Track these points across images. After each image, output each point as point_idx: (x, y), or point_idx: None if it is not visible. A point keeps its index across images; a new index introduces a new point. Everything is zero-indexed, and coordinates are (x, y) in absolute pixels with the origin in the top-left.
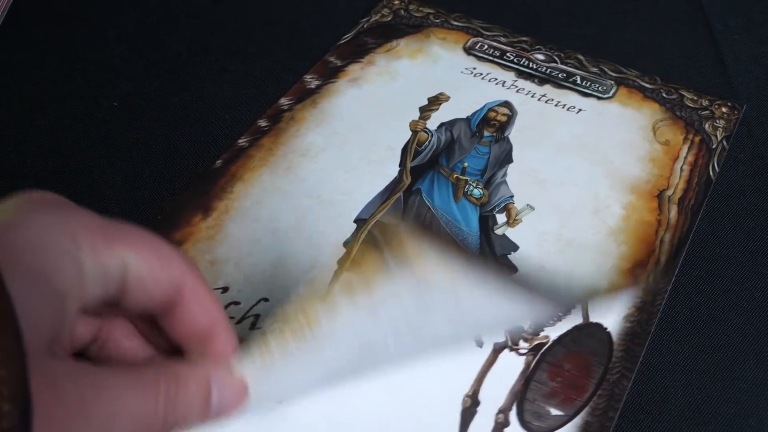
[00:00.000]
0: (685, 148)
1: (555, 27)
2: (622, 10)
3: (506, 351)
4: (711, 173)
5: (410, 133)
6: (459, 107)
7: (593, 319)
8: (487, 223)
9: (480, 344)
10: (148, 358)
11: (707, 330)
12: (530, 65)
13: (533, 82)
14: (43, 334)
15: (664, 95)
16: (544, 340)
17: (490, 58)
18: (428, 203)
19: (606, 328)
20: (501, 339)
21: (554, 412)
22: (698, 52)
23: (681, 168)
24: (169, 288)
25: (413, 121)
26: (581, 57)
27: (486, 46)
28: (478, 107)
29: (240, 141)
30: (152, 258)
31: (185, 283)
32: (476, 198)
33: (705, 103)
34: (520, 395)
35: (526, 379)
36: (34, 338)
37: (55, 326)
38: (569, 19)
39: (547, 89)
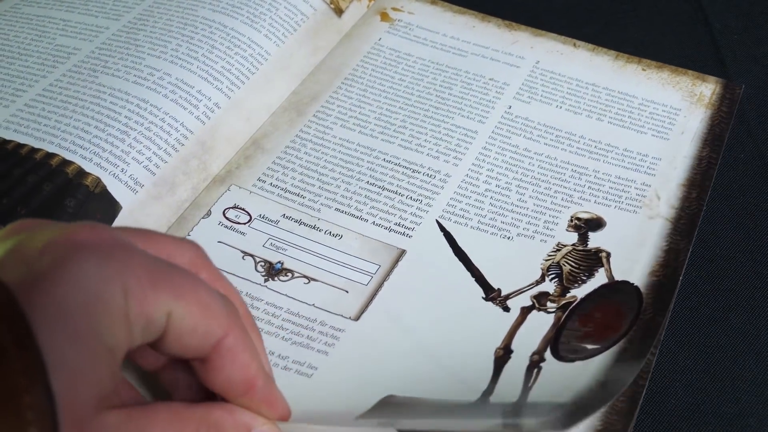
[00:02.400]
0: None
1: (555, 27)
2: (622, 10)
3: (534, 311)
4: None
5: None
6: None
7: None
8: None
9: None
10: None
11: (707, 330)
12: None
13: None
14: (94, 390)
15: None
16: (572, 299)
17: None
18: None
19: (633, 284)
20: (527, 303)
21: (590, 346)
22: (698, 52)
23: None
24: (206, 343)
25: None
26: None
27: None
28: None
29: None
30: (197, 311)
31: (224, 340)
32: None
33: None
34: (553, 340)
35: (558, 328)
36: (84, 395)
37: (105, 381)
38: (569, 19)
39: None
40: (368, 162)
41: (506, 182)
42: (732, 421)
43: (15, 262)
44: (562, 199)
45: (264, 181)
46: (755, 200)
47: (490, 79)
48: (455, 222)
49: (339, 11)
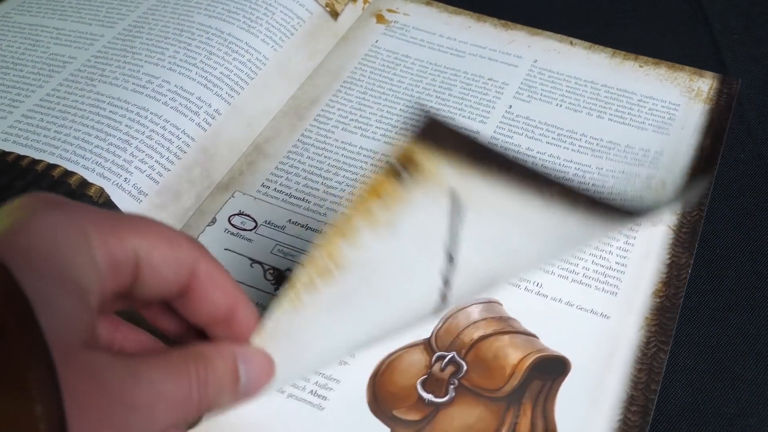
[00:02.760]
0: None
1: (555, 27)
2: (622, 10)
3: None
4: None
5: None
6: None
7: None
8: None
9: None
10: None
11: (707, 330)
12: None
13: None
14: (78, 329)
15: None
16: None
17: None
18: None
19: None
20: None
21: None
22: (698, 52)
23: None
24: (183, 271)
25: None
26: None
27: None
28: None
29: None
30: (162, 244)
31: (199, 266)
32: None
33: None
34: None
35: None
36: (70, 334)
37: (88, 321)
38: (569, 19)
39: None
40: (372, 165)
41: None
42: (732, 421)
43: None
44: None
45: (268, 187)
46: (755, 200)
47: (489, 79)
48: None
49: (335, 14)
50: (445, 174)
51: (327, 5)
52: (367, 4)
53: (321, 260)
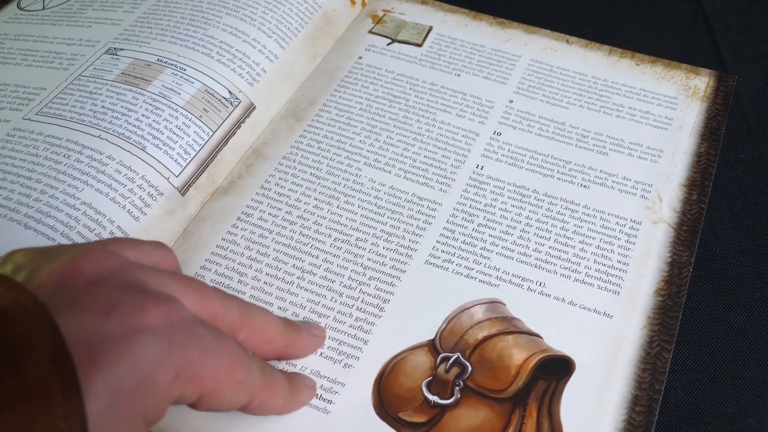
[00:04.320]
0: None
1: (554, 27)
2: (622, 10)
3: None
4: None
5: None
6: None
7: None
8: None
9: None
10: None
11: (707, 330)
12: None
13: None
14: None
15: None
16: None
17: None
18: None
19: None
20: None
21: None
22: (698, 52)
23: None
24: (232, 407)
25: None
26: None
27: None
28: None
29: None
30: (228, 391)
31: (251, 402)
32: None
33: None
34: None
35: None
36: None
37: None
38: (569, 19)
39: None
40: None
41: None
42: (732, 421)
43: (63, 298)
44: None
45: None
46: (755, 200)
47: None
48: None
49: (353, 2)
50: None
51: None
52: (365, 6)
53: None
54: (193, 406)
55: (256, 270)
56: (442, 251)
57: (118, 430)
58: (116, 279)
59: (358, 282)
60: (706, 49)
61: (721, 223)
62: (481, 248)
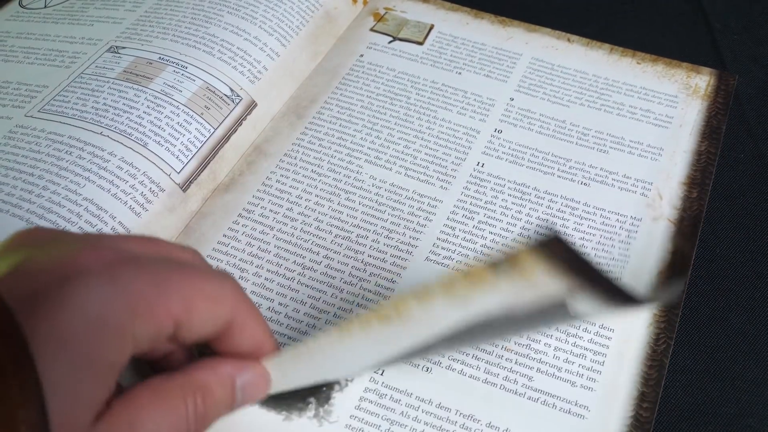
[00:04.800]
0: None
1: (554, 27)
2: (622, 10)
3: None
4: None
5: None
6: None
7: None
8: None
9: None
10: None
11: (707, 330)
12: None
13: None
14: (90, 411)
15: None
16: None
17: None
18: None
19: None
20: None
21: None
22: (698, 52)
23: None
24: (219, 325)
25: None
26: None
27: None
28: None
29: None
30: (203, 307)
31: (235, 318)
32: None
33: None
34: None
35: None
36: (80, 417)
37: (102, 396)
38: (569, 19)
39: None
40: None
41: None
42: (732, 421)
43: (19, 281)
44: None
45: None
46: (755, 200)
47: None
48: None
49: (354, 0)
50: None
51: None
52: (366, 5)
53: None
54: (179, 339)
55: (257, 266)
56: (443, 248)
57: (81, 381)
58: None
59: (358, 278)
60: (706, 49)
61: (721, 223)
62: (481, 245)
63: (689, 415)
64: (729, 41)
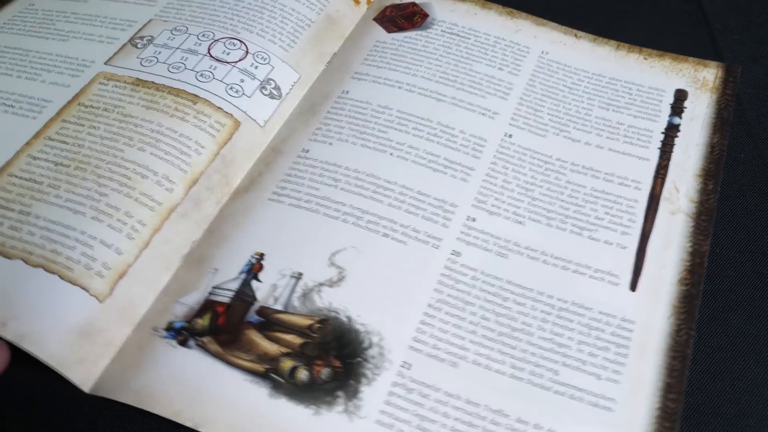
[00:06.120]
0: None
1: None
2: (622, 10)
3: None
4: None
5: None
6: None
7: None
8: None
9: None
10: None
11: (707, 330)
12: None
13: None
14: None
15: None
16: None
17: None
18: None
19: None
20: None
21: None
22: (698, 52)
23: None
24: None
25: None
26: None
27: None
28: None
29: None
30: None
31: None
32: None
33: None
34: None
35: None
36: None
37: None
38: (569, 19)
39: None
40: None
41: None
42: (732, 421)
43: None
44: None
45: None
46: (755, 200)
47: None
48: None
49: (357, 2)
50: None
51: None
52: (370, 4)
53: None
54: None
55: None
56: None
57: None
58: None
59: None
60: (706, 49)
61: (721, 223)
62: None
63: (689, 415)
64: (729, 41)
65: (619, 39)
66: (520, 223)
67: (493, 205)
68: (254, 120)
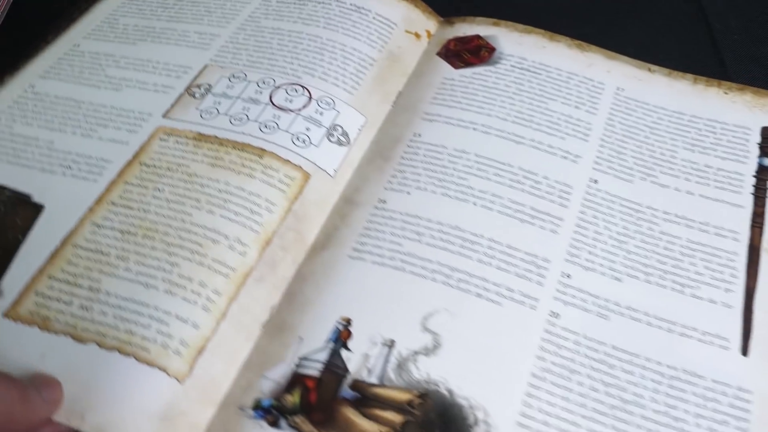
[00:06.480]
0: None
1: (555, 27)
2: (622, 10)
3: None
4: None
5: None
6: None
7: None
8: None
9: None
10: None
11: None
12: None
13: None
14: None
15: None
16: None
17: None
18: None
19: None
20: None
21: None
22: (698, 52)
23: None
24: None
25: None
26: None
27: None
28: None
29: None
30: None
31: None
32: None
33: None
34: None
35: None
36: None
37: None
38: (569, 19)
39: None
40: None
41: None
42: None
43: None
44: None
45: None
46: None
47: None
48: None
49: (417, 36)
50: None
51: (408, 32)
52: (431, 38)
53: None
54: None
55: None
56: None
57: None
58: None
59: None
60: (706, 49)
61: None
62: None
63: None
64: (729, 41)
65: (619, 39)
66: (617, 279)
67: (587, 260)
68: (324, 170)
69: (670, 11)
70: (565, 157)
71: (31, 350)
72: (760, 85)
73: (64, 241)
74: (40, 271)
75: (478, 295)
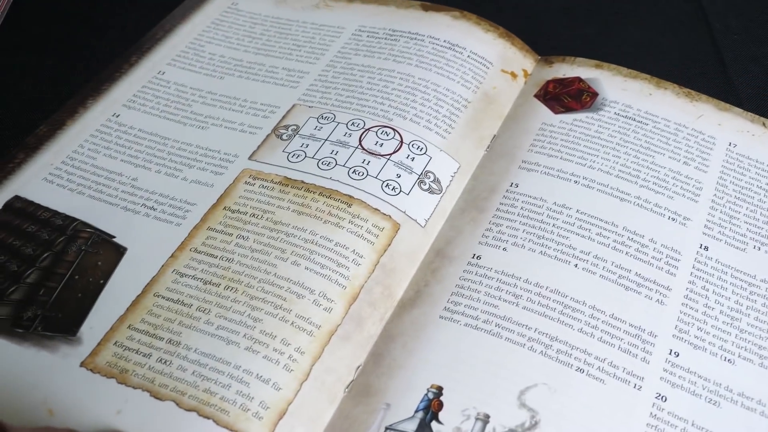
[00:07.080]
0: None
1: (555, 27)
2: (622, 10)
3: None
4: None
5: None
6: None
7: None
8: None
9: None
10: None
11: None
12: None
13: None
14: None
15: None
16: None
17: None
18: None
19: None
20: None
21: None
22: (698, 52)
23: None
24: None
25: None
26: None
27: None
28: None
29: None
30: None
31: None
32: None
33: None
34: None
35: None
36: None
37: None
38: (569, 19)
39: None
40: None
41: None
42: None
43: None
44: None
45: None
46: None
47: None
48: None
49: (514, 76)
50: None
51: (504, 71)
52: (528, 78)
53: None
54: None
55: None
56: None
57: None
58: None
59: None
60: (706, 49)
61: None
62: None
63: None
64: (729, 41)
65: (619, 39)
66: (729, 361)
67: (696, 337)
68: (414, 220)
69: (670, 11)
70: (673, 219)
71: (107, 405)
72: (760, 84)
73: (146, 289)
74: (120, 320)
75: (580, 370)
